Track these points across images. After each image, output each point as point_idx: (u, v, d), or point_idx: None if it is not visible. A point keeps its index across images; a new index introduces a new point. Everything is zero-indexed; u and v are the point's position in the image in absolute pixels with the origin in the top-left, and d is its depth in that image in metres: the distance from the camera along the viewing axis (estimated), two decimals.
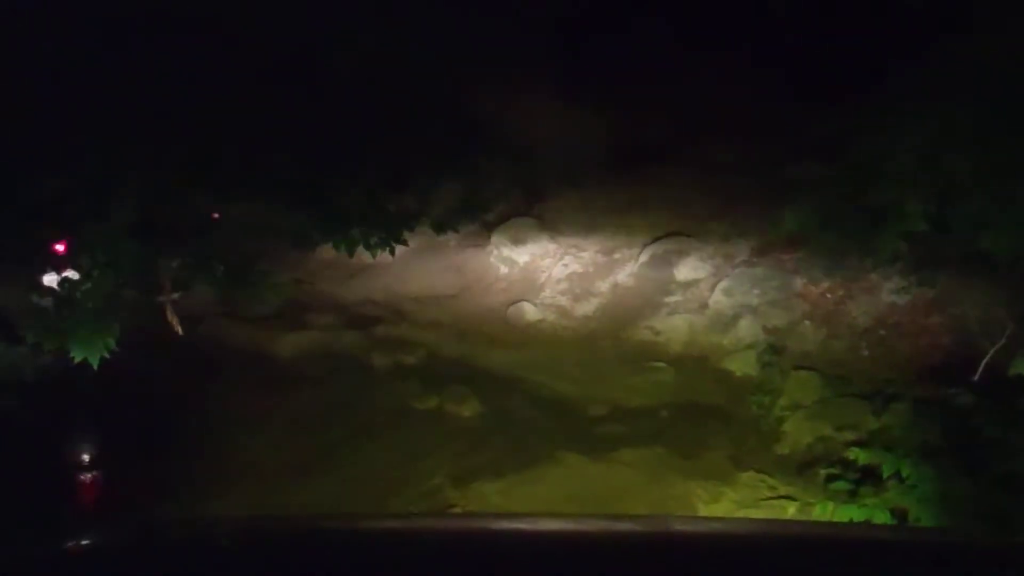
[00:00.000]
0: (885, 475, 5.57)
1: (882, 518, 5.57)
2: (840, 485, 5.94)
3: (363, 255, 6.68)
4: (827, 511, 5.90)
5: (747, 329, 9.93)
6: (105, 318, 5.47)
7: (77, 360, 5.50)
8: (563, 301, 11.11)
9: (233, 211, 6.28)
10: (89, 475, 8.05)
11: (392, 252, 6.45)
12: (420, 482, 7.60)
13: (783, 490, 7.26)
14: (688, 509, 6.95)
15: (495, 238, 11.95)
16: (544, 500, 7.17)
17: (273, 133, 6.01)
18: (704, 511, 6.91)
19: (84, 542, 2.52)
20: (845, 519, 5.81)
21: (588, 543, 2.50)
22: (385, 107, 6.56)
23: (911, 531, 4.45)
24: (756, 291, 10.23)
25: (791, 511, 6.60)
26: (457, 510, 6.97)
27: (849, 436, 7.96)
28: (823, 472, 6.24)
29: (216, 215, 6.39)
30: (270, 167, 5.93)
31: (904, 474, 5.48)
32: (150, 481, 7.29)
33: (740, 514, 6.79)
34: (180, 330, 6.37)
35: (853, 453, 5.86)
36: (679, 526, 3.15)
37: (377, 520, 3.61)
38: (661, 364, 9.70)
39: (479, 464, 7.90)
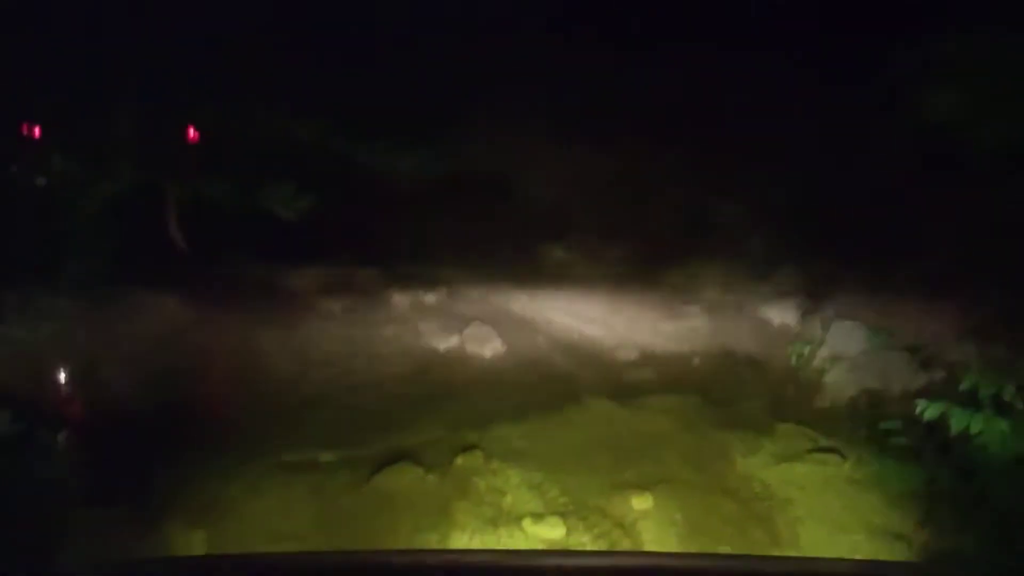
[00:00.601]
0: (953, 430, 5.08)
1: (946, 480, 5.11)
2: (901, 440, 5.47)
3: None
4: (887, 469, 5.43)
5: (786, 276, 9.42)
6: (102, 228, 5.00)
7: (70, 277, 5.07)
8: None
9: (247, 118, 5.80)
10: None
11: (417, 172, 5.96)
12: (438, 424, 7.16)
13: (825, 443, 6.79)
14: (725, 460, 6.49)
15: None
16: (570, 446, 6.72)
17: None
18: (741, 463, 6.45)
19: None
20: (905, 478, 5.34)
21: None
22: None
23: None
24: (798, 234, 9.70)
25: (846, 468, 6.12)
26: (477, 453, 6.53)
27: (895, 390, 7.54)
28: (883, 426, 5.75)
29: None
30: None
31: (974, 431, 4.99)
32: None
33: (781, 468, 6.32)
34: (184, 247, 5.92)
35: (920, 405, 5.35)
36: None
37: (369, 557, 3.50)
38: (694, 309, 9.21)
39: (501, 407, 7.46)
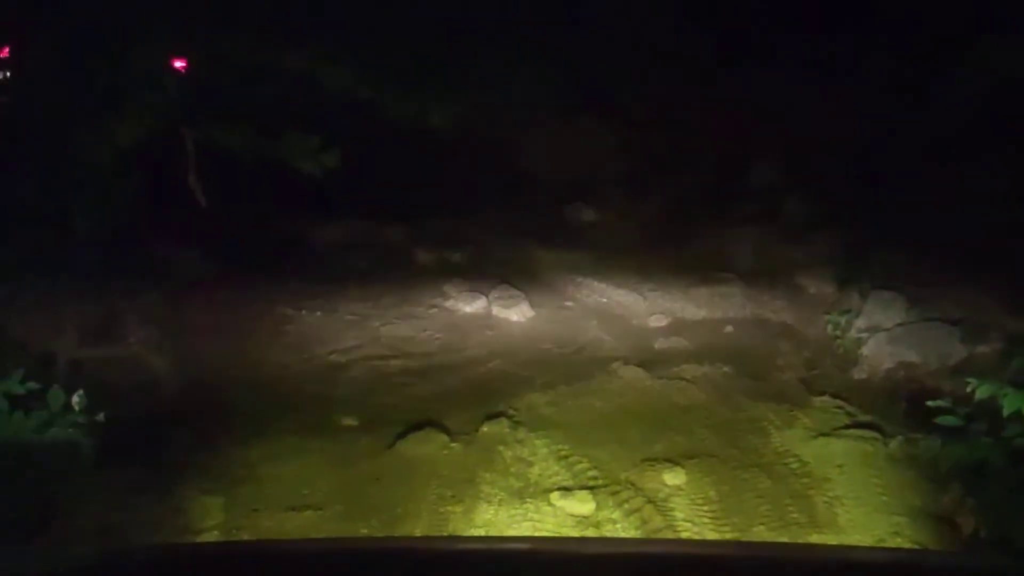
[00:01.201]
0: (1005, 413, 4.83)
1: (1000, 461, 4.86)
2: (949, 420, 5.21)
3: None
4: (931, 448, 5.18)
5: (824, 242, 9.13)
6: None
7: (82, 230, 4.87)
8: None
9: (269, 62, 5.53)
10: None
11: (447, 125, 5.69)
12: (463, 390, 6.98)
13: (863, 418, 6.55)
14: (759, 433, 6.26)
15: None
16: (599, 415, 6.53)
17: None
18: (777, 437, 6.22)
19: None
20: (951, 459, 5.09)
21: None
22: None
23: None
24: (836, 200, 9.40)
25: (892, 445, 5.87)
26: (503, 421, 6.34)
27: (935, 364, 7.28)
28: (931, 404, 5.50)
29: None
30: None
31: None
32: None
33: (818, 443, 6.10)
34: (204, 200, 5.70)
35: (970, 383, 5.09)
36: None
37: (371, 543, 3.37)
38: (727, 275, 8.95)
39: (528, 374, 7.26)
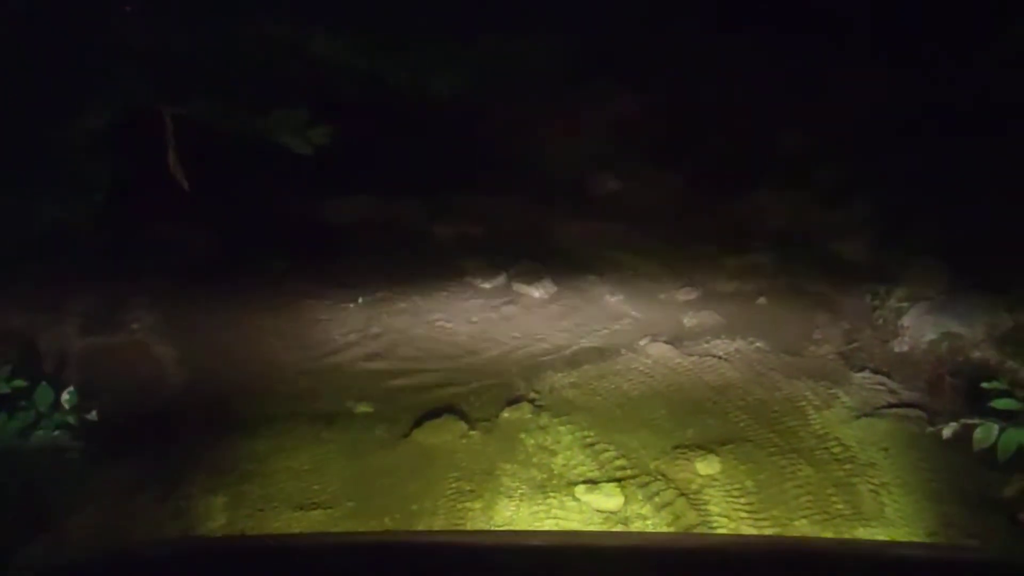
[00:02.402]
0: None
1: None
2: (1007, 403, 4.82)
3: None
4: (988, 435, 4.79)
5: (858, 207, 8.69)
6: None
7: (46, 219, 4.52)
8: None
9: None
10: None
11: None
12: (483, 372, 6.64)
13: (907, 395, 6.18)
14: (797, 415, 5.89)
15: None
16: (626, 398, 6.18)
17: None
18: (816, 418, 5.85)
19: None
20: (1014, 447, 4.70)
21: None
22: None
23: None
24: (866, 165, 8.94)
25: (947, 432, 5.47)
26: (525, 406, 6.01)
27: (980, 335, 6.86)
28: (987, 387, 5.11)
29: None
30: None
31: None
32: None
33: (860, 424, 5.73)
34: (186, 184, 5.34)
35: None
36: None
37: (377, 537, 3.35)
38: (759, 243, 8.53)
39: (550, 353, 6.90)
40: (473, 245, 8.76)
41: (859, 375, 6.52)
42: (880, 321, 7.38)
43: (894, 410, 5.93)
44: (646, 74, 10.48)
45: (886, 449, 5.40)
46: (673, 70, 10.21)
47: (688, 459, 5.27)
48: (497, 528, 4.74)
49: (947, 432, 5.34)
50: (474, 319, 7.47)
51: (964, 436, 5.39)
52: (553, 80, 9.94)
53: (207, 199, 6.53)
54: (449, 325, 7.39)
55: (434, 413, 5.93)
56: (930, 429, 5.54)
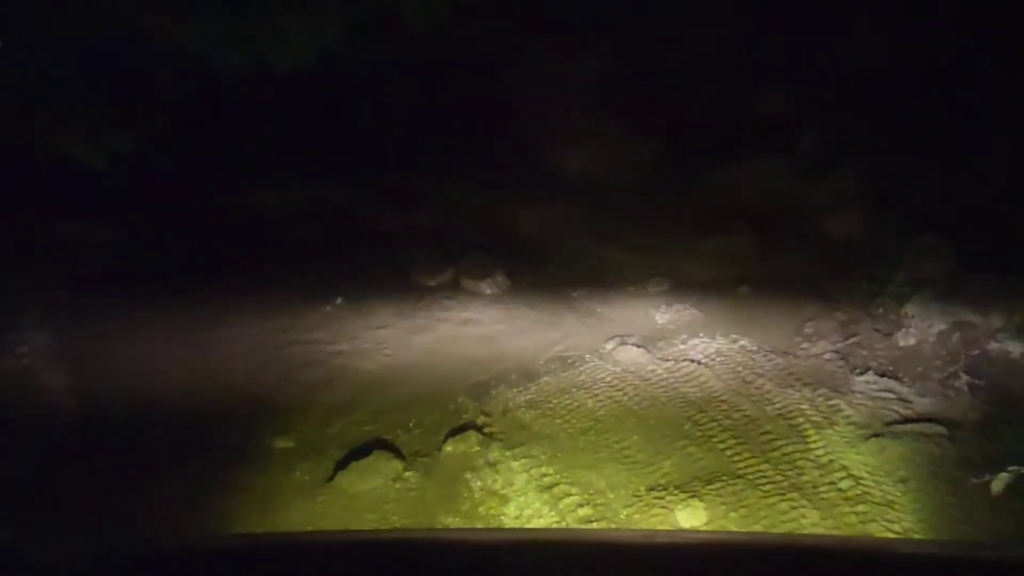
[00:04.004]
0: None
1: None
2: None
3: None
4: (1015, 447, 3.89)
5: (849, 178, 7.76)
6: None
7: None
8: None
9: None
10: None
11: None
12: (421, 392, 5.67)
13: (920, 406, 5.28)
14: (794, 436, 4.98)
15: None
16: (591, 420, 5.26)
17: None
18: (817, 440, 4.94)
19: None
20: None
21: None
22: None
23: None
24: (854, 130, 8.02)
25: (998, 487, 4.51)
26: (472, 435, 5.07)
27: (997, 323, 5.98)
28: None
29: None
30: None
31: None
32: None
33: (869, 446, 4.83)
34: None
35: None
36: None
37: (378, 536, 3.16)
38: (739, 223, 7.57)
39: (502, 365, 5.94)
40: (419, 234, 7.75)
41: (861, 379, 5.66)
42: (880, 310, 6.48)
43: (908, 426, 5.05)
44: (612, 34, 9.44)
45: (905, 481, 4.50)
46: (642, 28, 9.15)
47: (666, 506, 4.35)
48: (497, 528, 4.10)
49: (997, 486, 4.38)
50: (414, 325, 6.49)
51: (993, 456, 4.53)
52: (513, 43, 8.92)
53: (129, 191, 5.53)
54: (383, 334, 6.41)
55: (362, 450, 4.98)
56: (974, 481, 4.56)
